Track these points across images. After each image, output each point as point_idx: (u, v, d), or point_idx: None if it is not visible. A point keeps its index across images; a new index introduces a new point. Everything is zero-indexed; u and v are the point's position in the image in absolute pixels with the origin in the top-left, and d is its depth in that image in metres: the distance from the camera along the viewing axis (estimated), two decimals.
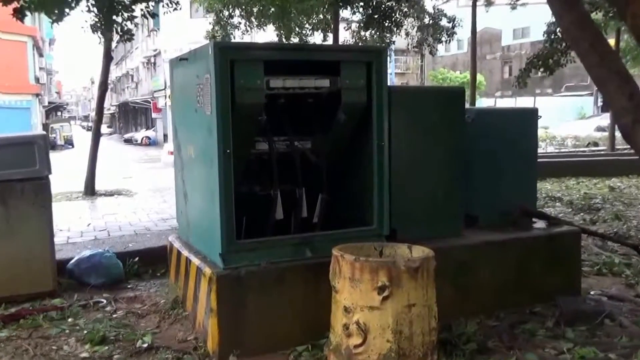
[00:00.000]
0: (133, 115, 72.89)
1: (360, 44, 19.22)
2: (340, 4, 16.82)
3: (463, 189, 5.85)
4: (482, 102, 44.88)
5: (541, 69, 17.34)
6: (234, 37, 19.80)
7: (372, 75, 5.21)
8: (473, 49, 20.58)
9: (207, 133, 4.87)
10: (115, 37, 13.97)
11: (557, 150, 26.82)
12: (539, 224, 6.35)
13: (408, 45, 22.23)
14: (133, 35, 13.46)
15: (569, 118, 40.72)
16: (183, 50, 6.08)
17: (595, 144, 28.60)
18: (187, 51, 5.50)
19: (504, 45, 55.35)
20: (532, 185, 6.44)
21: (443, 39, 20.60)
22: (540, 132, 28.79)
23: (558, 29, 15.91)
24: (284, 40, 19.06)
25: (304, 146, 5.52)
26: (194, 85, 5.10)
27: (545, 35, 17.34)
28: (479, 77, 38.21)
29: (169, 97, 6.71)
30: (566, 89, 49.47)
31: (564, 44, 16.27)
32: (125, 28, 12.68)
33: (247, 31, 19.93)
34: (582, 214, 10.97)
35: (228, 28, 19.68)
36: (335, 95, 5.18)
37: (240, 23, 19.81)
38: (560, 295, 5.76)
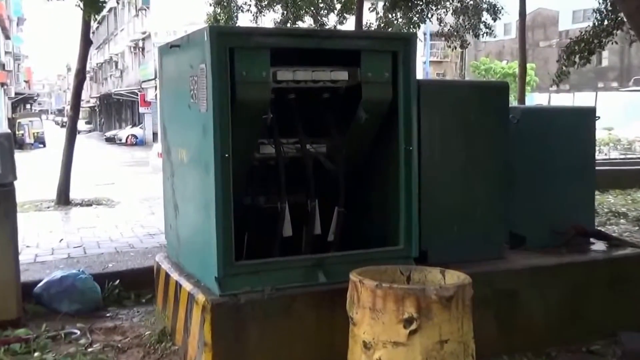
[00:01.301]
0: (117, 110, 73.41)
1: (386, 28, 19.19)
2: None
3: (507, 203, 5.87)
4: (533, 99, 44.66)
5: (584, 55, 17.15)
6: (238, 21, 19.68)
7: (398, 67, 5.24)
8: (522, 35, 20.48)
9: (202, 133, 4.91)
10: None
11: (622, 156, 26.57)
12: (598, 246, 6.36)
13: (438, 31, 22.20)
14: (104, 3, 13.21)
15: (639, 117, 40.36)
16: (177, 34, 6.15)
17: None
18: (181, 35, 5.56)
19: (562, 30, 55.08)
20: (589, 198, 6.46)
21: (481, 30, 20.48)
22: (602, 135, 28.63)
23: (608, 6, 15.87)
24: (293, 23, 18.94)
25: (318, 150, 5.56)
26: (187, 76, 5.14)
27: (595, 13, 17.24)
28: (530, 69, 38.07)
29: (159, 88, 6.77)
30: (635, 82, 48.91)
31: (612, 23, 16.24)
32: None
33: (254, 13, 19.71)
34: None
35: (232, 7, 19.54)
36: (355, 90, 5.22)
37: (245, 3, 19.68)
38: (623, 331, 5.75)
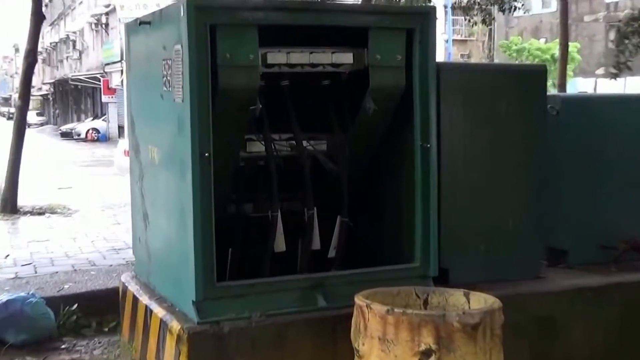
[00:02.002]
0: (75, 99, 73.44)
1: (399, 2, 19.14)
2: None
3: (544, 211, 5.88)
4: (577, 84, 44.64)
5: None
6: None
7: (414, 47, 5.26)
8: (564, 7, 20.51)
9: (177, 128, 4.94)
10: None
11: None
12: None
13: (456, 2, 21.98)
14: None
15: None
16: (148, 8, 6.16)
17: None
18: (153, 9, 5.62)
19: (609, 1, 55.07)
20: None
21: (507, 4, 19.98)
22: None
23: None
24: None
25: (316, 148, 5.59)
26: (160, 60, 5.16)
27: None
28: (573, 48, 37.93)
29: (126, 73, 6.78)
30: None
31: None
32: None
33: None
34: None
35: None
36: (362, 76, 5.22)
37: None
38: None
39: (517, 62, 43.84)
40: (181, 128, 4.85)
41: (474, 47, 57.16)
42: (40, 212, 14.95)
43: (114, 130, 52.83)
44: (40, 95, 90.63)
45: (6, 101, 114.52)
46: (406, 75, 5.26)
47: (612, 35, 54.56)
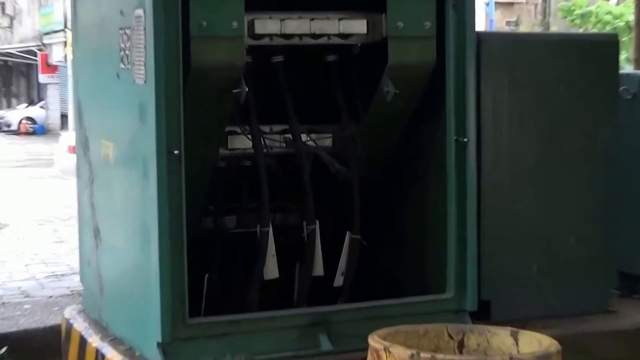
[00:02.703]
0: (4, 79, 73.41)
1: None
2: None
3: (615, 226, 5.91)
4: None
5: None
6: None
7: (446, 12, 5.28)
8: None
9: (139, 118, 4.96)
10: None
11: None
12: None
13: None
14: None
15: None
16: None
17: None
18: None
19: None
20: None
21: None
22: None
23: None
24: None
25: (319, 144, 5.63)
26: (116, 29, 5.19)
27: None
28: None
29: (72, 46, 6.78)
30: None
31: None
32: None
33: None
34: None
35: None
36: (378, 49, 5.26)
37: None
38: None
39: (580, 30, 43.77)
40: (143, 117, 4.87)
41: (524, 12, 57.04)
42: None
43: (54, 120, 52.82)
44: None
45: None
46: (437, 49, 5.28)
47: None
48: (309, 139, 5.58)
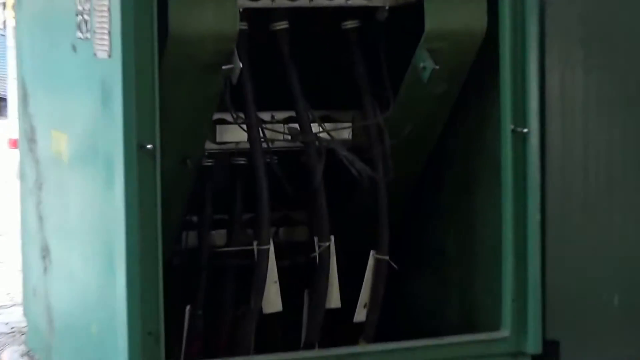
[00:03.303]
0: None
1: None
2: None
3: None
4: None
5: None
6: None
7: None
8: None
9: (101, 102, 4.85)
10: None
11: None
12: None
13: None
14: None
15: None
16: None
17: None
18: None
19: None
20: None
21: None
22: None
23: None
24: None
25: (335, 137, 5.52)
26: None
27: None
28: None
29: (13, 9, 6.78)
30: None
31: None
32: None
33: None
34: None
35: None
36: (411, 14, 5.16)
37: None
38: None
39: None
40: (107, 101, 4.76)
41: None
42: None
43: None
44: None
45: None
46: (488, 12, 5.19)
47: None
48: (321, 129, 5.48)
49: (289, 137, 5.46)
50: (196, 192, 5.45)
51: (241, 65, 4.88)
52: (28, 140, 6.03)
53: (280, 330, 5.49)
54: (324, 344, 5.39)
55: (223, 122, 5.36)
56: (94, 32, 4.86)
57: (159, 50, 4.66)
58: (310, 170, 5.40)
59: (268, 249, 5.30)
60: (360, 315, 5.56)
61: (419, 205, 5.77)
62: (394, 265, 5.50)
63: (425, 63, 5.15)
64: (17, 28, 6.53)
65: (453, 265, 5.65)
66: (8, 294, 10.25)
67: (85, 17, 4.95)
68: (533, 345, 5.27)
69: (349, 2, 5.21)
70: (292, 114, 5.46)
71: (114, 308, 4.75)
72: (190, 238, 5.53)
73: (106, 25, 4.71)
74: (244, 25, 4.96)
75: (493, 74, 5.26)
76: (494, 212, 5.30)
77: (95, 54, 4.88)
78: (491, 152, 5.31)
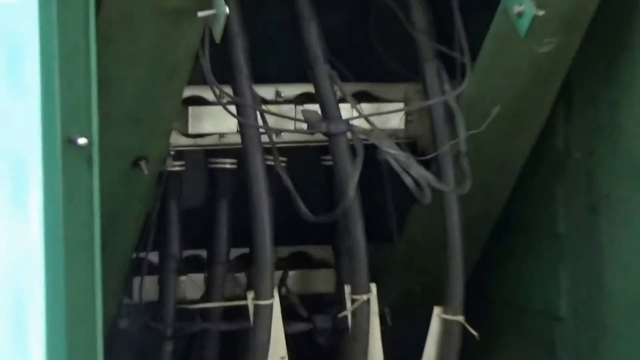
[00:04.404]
0: None
1: None
2: None
3: None
4: None
5: None
6: None
7: None
8: None
9: (6, 71, 3.85)
10: None
11: None
12: None
13: None
14: None
15: None
16: None
17: None
18: None
19: None
20: None
21: None
22: None
23: None
24: None
25: (377, 126, 4.37)
26: None
27: None
28: None
29: None
30: None
31: None
32: None
33: None
34: None
35: None
36: None
37: None
38: None
39: None
40: (15, 70, 3.69)
41: None
42: None
43: None
44: None
45: None
46: None
47: None
48: (355, 113, 4.18)
49: (305, 126, 4.24)
50: (157, 214, 4.28)
51: (227, 10, 3.72)
52: None
53: None
54: None
55: (199, 101, 4.26)
56: None
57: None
58: (338, 179, 4.19)
59: (271, 304, 4.16)
60: None
61: (507, 243, 4.70)
62: (473, 332, 4.32)
63: (523, 5, 4.09)
64: None
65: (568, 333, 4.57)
66: None
67: None
68: None
69: None
70: (310, 88, 4.26)
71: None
72: (148, 286, 4.32)
73: None
74: None
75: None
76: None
77: None
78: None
